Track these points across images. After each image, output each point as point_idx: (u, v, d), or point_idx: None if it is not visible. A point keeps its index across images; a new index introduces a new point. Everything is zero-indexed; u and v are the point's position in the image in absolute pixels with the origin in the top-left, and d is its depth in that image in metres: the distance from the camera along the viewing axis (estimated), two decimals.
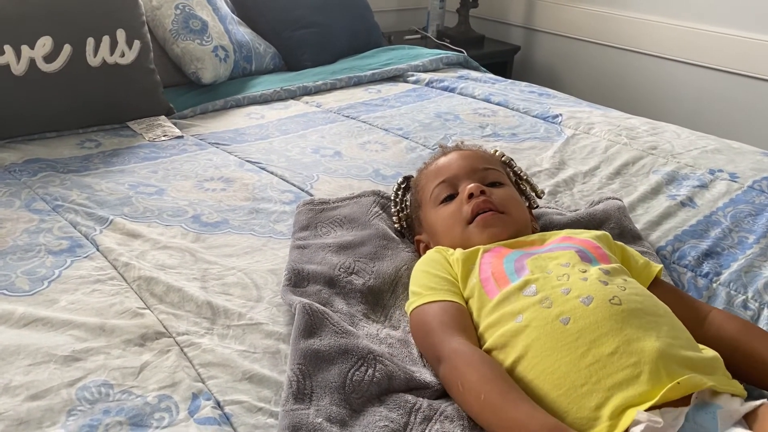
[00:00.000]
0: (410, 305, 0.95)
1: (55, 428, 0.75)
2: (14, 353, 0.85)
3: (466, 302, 0.94)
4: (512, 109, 1.88)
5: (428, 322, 0.90)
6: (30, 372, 0.82)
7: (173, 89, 1.87)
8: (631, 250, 1.05)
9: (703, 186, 1.41)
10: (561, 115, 1.79)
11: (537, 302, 0.85)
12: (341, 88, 2.04)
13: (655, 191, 1.40)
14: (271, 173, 1.44)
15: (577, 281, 0.87)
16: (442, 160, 1.16)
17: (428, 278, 0.97)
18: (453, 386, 0.81)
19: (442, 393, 0.86)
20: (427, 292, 0.94)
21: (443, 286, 0.95)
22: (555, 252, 0.95)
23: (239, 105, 1.86)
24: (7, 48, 1.49)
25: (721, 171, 1.47)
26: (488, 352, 0.86)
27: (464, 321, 0.90)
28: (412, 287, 0.98)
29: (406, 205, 1.21)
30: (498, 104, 1.91)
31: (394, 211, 1.20)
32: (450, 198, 1.09)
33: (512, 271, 0.92)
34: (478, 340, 0.89)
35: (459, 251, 1.00)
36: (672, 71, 2.51)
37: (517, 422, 0.72)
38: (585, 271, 0.89)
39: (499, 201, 1.06)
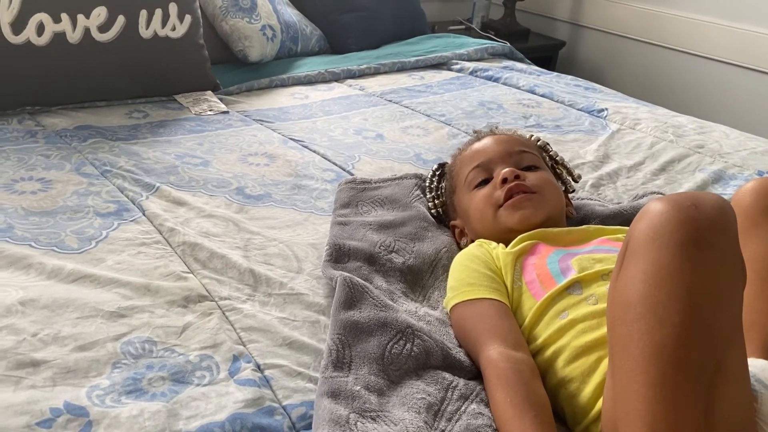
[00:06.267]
0: (448, 301, 0.94)
1: (100, 378, 0.77)
2: (63, 306, 0.87)
3: (513, 298, 0.92)
4: (557, 101, 1.86)
5: (466, 327, 0.89)
6: (78, 324, 0.84)
7: (220, 66, 1.89)
8: None
9: None
10: (607, 109, 1.77)
11: (582, 299, 0.85)
12: (385, 72, 2.05)
13: (700, 189, 1.38)
14: (314, 152, 1.45)
15: None
16: (477, 144, 1.15)
17: (467, 273, 0.95)
18: (487, 394, 0.81)
19: (477, 374, 0.86)
20: (465, 288, 0.92)
21: (482, 282, 0.93)
22: (599, 254, 0.93)
23: (284, 84, 1.88)
24: (64, 16, 1.53)
25: None
26: (536, 353, 0.85)
27: (503, 322, 0.87)
28: (450, 282, 0.97)
29: (441, 192, 1.20)
30: (543, 96, 1.89)
31: (430, 197, 1.20)
32: (485, 182, 1.09)
33: (558, 272, 0.90)
34: (527, 339, 0.87)
35: (501, 247, 0.99)
36: (722, 73, 2.45)
37: None
38: None
39: (533, 184, 1.05)
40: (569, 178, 1.19)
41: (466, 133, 1.60)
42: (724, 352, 0.63)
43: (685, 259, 0.63)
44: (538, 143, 1.19)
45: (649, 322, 0.63)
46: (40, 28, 1.51)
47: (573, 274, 0.88)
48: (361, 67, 2.02)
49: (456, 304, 0.92)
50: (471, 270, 0.95)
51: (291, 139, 1.51)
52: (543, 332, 0.85)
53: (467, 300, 0.91)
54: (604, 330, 0.80)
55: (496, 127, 1.24)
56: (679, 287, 0.63)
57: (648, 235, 0.65)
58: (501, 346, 0.82)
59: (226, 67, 1.92)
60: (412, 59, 2.12)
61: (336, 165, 1.40)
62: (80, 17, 1.54)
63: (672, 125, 1.68)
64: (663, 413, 0.61)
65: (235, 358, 0.82)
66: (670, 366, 0.62)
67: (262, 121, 1.61)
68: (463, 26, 2.89)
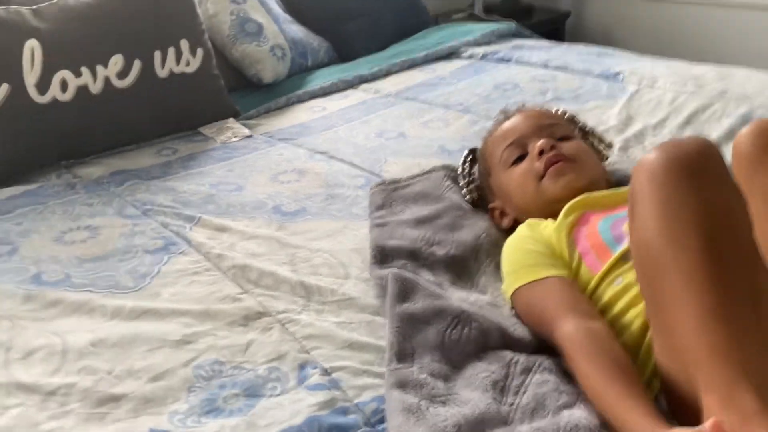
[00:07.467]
0: (508, 287, 0.94)
1: (178, 404, 0.80)
2: (131, 341, 0.91)
3: (572, 269, 0.92)
4: (572, 71, 1.86)
5: (534, 308, 0.89)
6: (148, 357, 0.88)
7: (236, 92, 1.93)
8: None
9: None
10: (622, 72, 1.77)
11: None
12: (397, 72, 2.06)
13: (729, 135, 1.37)
14: (341, 161, 1.48)
15: None
16: (507, 123, 1.16)
17: (522, 254, 0.95)
18: (572, 369, 0.80)
19: (537, 348, 0.87)
20: (524, 270, 0.92)
21: (540, 260, 0.92)
22: None
23: (301, 100, 1.91)
24: (84, 70, 1.58)
25: None
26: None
27: (570, 295, 0.87)
28: (506, 267, 0.97)
29: (474, 178, 1.22)
30: (557, 68, 1.90)
31: (463, 184, 1.21)
32: (520, 159, 1.09)
33: (611, 240, 0.90)
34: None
35: (551, 221, 0.99)
36: (735, 18, 2.42)
37: (616, 419, 0.70)
38: None
39: (570, 153, 1.06)
40: (602, 146, 1.20)
41: (487, 117, 1.61)
42: (754, 275, 0.66)
43: (683, 189, 0.70)
44: (566, 116, 1.20)
45: (673, 253, 0.68)
46: (64, 85, 1.56)
47: (627, 242, 0.88)
48: (373, 70, 2.04)
49: (518, 288, 0.91)
50: (526, 251, 0.95)
51: (316, 152, 1.54)
52: (600, 299, 0.86)
53: (529, 282, 0.90)
54: None
55: (523, 105, 1.25)
56: (687, 214, 0.68)
57: (646, 181, 0.73)
58: (574, 319, 0.81)
59: (242, 93, 1.96)
60: (422, 54, 2.13)
61: (364, 170, 1.42)
62: (99, 68, 1.59)
63: (691, 77, 1.67)
64: (721, 336, 0.64)
65: (302, 366, 0.85)
66: (709, 291, 0.66)
67: (286, 139, 1.65)
68: (466, 13, 2.90)
